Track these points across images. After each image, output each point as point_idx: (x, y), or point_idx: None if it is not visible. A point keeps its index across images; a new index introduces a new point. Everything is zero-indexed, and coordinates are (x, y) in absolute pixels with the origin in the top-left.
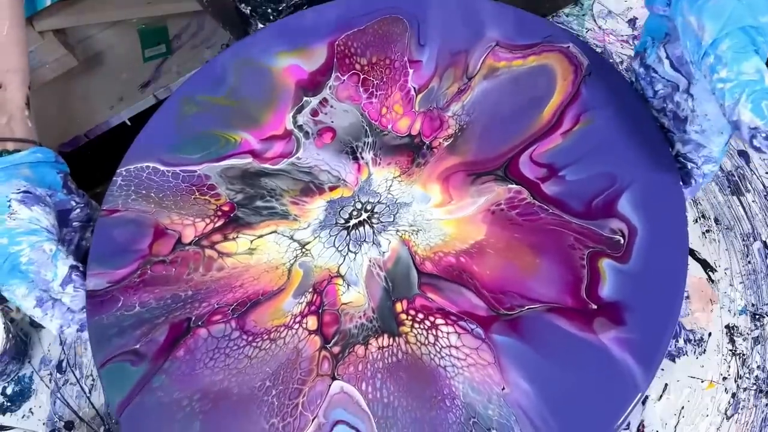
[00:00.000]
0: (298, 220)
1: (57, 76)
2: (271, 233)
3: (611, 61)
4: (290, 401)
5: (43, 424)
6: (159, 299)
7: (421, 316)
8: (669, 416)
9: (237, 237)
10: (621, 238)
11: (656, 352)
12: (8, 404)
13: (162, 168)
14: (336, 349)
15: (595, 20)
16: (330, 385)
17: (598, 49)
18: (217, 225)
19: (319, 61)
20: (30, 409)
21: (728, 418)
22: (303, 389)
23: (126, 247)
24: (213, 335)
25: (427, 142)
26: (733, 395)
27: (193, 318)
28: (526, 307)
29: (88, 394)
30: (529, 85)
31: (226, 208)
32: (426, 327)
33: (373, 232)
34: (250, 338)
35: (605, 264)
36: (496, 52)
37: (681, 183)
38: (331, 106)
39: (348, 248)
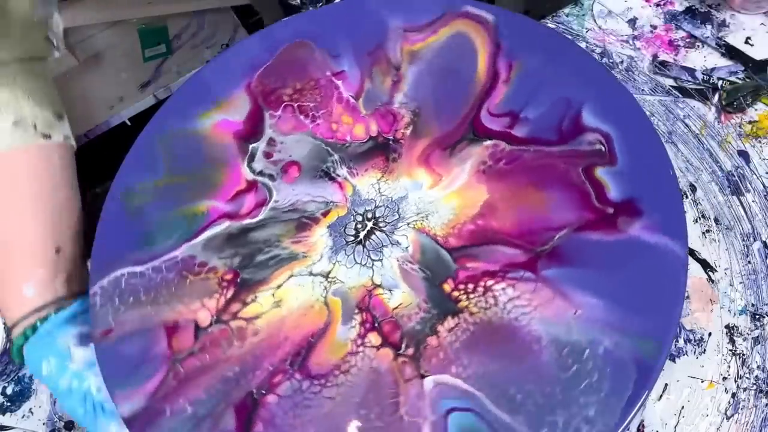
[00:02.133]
0: (309, 256)
1: (57, 76)
2: (288, 279)
3: (611, 61)
4: (392, 417)
5: (43, 424)
6: (208, 389)
7: (471, 285)
8: (669, 416)
9: (256, 298)
10: (601, 146)
11: (679, 216)
12: (8, 404)
13: (139, 269)
14: (410, 351)
15: (595, 20)
16: (423, 385)
17: (598, 49)
18: (228, 296)
19: (244, 107)
20: (30, 409)
21: (728, 418)
22: (399, 400)
23: (143, 358)
24: (284, 396)
25: (391, 137)
26: (733, 395)
27: (255, 390)
28: (556, 237)
29: None
30: (453, 54)
31: (229, 277)
32: (480, 293)
33: (386, 234)
34: (323, 381)
35: (600, 173)
36: (408, 37)
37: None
38: (281, 143)
39: (370, 259)
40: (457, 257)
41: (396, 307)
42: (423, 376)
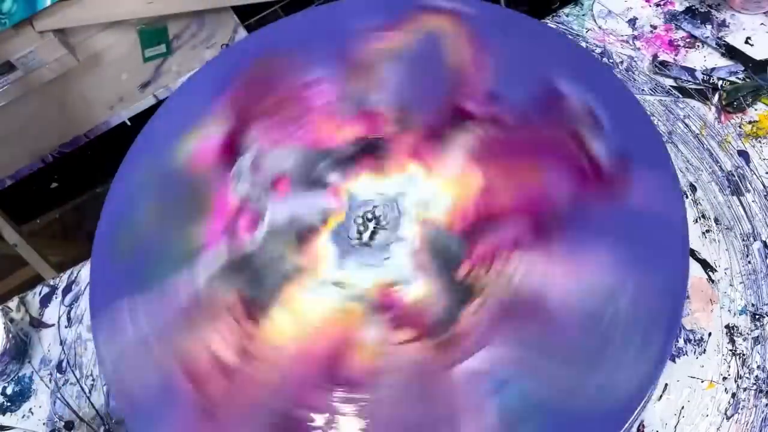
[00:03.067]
0: (317, 267)
1: (57, 76)
2: (301, 293)
3: (611, 61)
4: (438, 407)
5: (43, 424)
6: (243, 422)
7: (485, 264)
8: (669, 416)
9: (273, 319)
10: (585, 113)
11: (670, 171)
12: (8, 404)
13: (141, 302)
14: (446, 337)
15: (595, 20)
16: (460, 371)
17: (598, 50)
18: (241, 321)
19: (220, 129)
20: (30, 409)
21: (728, 418)
22: (445, 387)
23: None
24: (332, 414)
25: (377, 136)
26: (733, 395)
27: (301, 412)
28: (559, 203)
29: (88, 394)
30: (423, 47)
31: (238, 302)
32: (497, 271)
33: (390, 232)
34: (370, 388)
35: (587, 138)
36: (373, 37)
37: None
38: (265, 158)
39: (381, 258)
40: (465, 238)
41: (418, 301)
42: (458, 363)
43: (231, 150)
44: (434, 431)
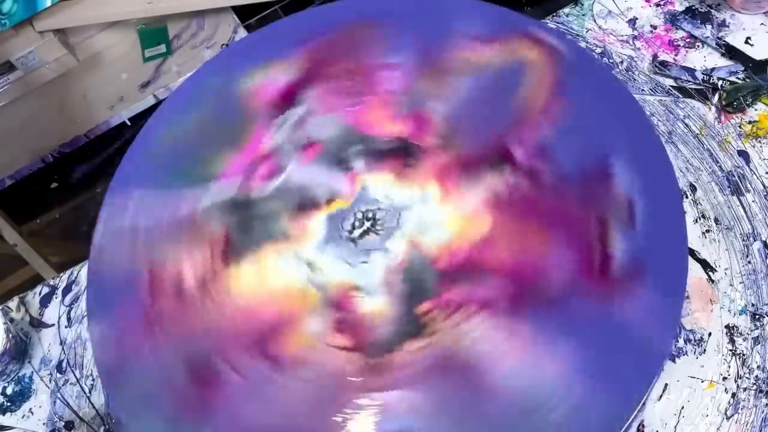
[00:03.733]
0: (301, 240)
1: (57, 76)
2: (275, 257)
3: (611, 61)
4: (340, 422)
5: (43, 424)
6: (174, 342)
7: (448, 312)
8: (669, 416)
9: (240, 267)
10: (623, 206)
11: (676, 305)
12: (8, 404)
13: (148, 199)
14: (376, 361)
15: (595, 20)
16: (372, 398)
17: (598, 49)
18: (216, 256)
19: (292, 75)
20: (30, 409)
21: (728, 418)
22: (348, 407)
23: (125, 290)
24: (244, 376)
25: (417, 143)
26: (733, 395)
27: (220, 363)
28: (548, 286)
29: (88, 394)
30: (506, 72)
31: (222, 237)
32: (455, 322)
33: (380, 239)
34: (283, 370)
35: (613, 232)
36: (464, 44)
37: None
38: (313, 118)
39: (358, 259)
40: (441, 280)
41: (369, 314)
42: (373, 391)
43: (287, 99)
44: None
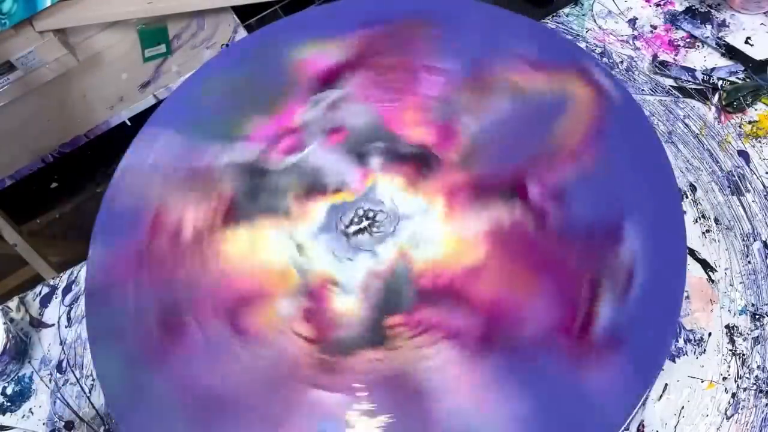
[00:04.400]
0: (299, 221)
1: (57, 76)
2: (271, 231)
3: (611, 61)
4: (280, 409)
5: (43, 424)
6: (154, 286)
7: (413, 332)
8: (669, 416)
9: (236, 231)
10: (623, 274)
11: (644, 386)
12: (8, 404)
13: (174, 143)
14: (326, 357)
15: (595, 20)
16: (314, 395)
17: (598, 49)
18: (218, 216)
19: (341, 54)
20: (30, 409)
21: (728, 418)
22: (293, 397)
23: (128, 222)
24: (207, 336)
25: (437, 154)
26: (733, 395)
27: (189, 317)
28: (521, 334)
29: (88, 394)
30: (548, 107)
31: (227, 197)
32: (417, 344)
33: (373, 241)
34: (243, 341)
35: (604, 297)
36: (520, 68)
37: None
38: (347, 104)
39: (346, 255)
40: (418, 298)
41: (338, 311)
42: (318, 388)
43: (329, 78)
44: (261, 420)
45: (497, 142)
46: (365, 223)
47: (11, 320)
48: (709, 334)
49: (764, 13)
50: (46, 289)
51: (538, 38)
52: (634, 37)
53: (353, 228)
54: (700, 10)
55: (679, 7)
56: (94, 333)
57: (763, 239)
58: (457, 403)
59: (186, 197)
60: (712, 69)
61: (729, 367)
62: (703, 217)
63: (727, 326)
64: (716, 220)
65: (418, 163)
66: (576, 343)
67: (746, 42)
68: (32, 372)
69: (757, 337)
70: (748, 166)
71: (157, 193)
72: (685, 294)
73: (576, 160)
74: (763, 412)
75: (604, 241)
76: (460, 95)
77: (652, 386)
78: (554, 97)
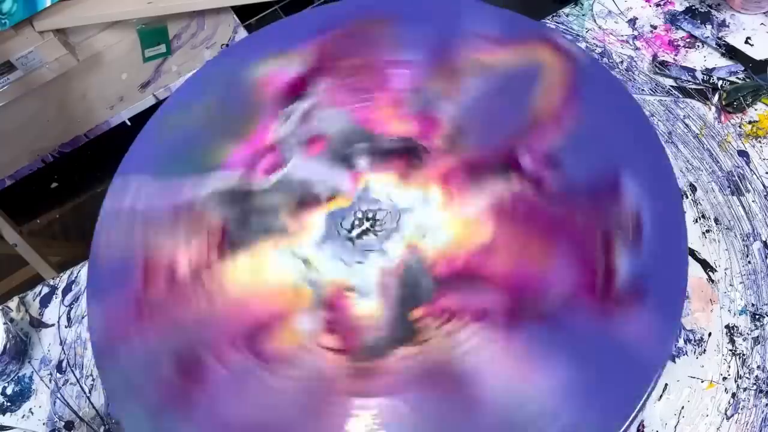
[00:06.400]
0: (298, 236)
1: (57, 76)
2: (272, 251)
3: (611, 61)
4: (326, 427)
5: (43, 424)
6: (163, 333)
7: (441, 320)
8: (669, 416)
9: (236, 259)
10: (629, 224)
11: (674, 323)
12: (8, 404)
13: (150, 185)
14: (359, 364)
15: (595, 20)
16: (356, 404)
17: (598, 49)
18: (212, 247)
19: (302, 66)
20: (30, 409)
21: (728, 418)
22: (335, 411)
23: (118, 278)
24: (231, 370)
25: (423, 144)
26: (733, 395)
27: (207, 355)
28: (545, 299)
29: (88, 394)
30: (520, 78)
31: (218, 229)
32: (447, 332)
33: (379, 240)
34: (270, 367)
35: (617, 249)
36: (484, 47)
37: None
38: (320, 112)
39: (355, 259)
40: (437, 287)
41: (361, 316)
42: (358, 396)
43: (295, 90)
44: None
45: (479, 120)
46: (367, 224)
47: (11, 320)
48: (709, 334)
49: (764, 13)
50: (46, 289)
51: (498, 20)
52: (634, 37)
53: (356, 231)
54: (700, 10)
55: (679, 7)
56: (111, 394)
57: (763, 239)
58: (501, 380)
59: (174, 236)
60: (712, 69)
61: (729, 367)
62: (703, 217)
63: (727, 326)
64: (716, 220)
65: (406, 155)
66: (601, 299)
67: (746, 42)
68: (32, 372)
69: (757, 337)
70: (748, 166)
71: (140, 239)
72: (687, 294)
73: (559, 124)
74: (763, 412)
75: (605, 195)
76: (431, 83)
77: (680, 332)
78: (524, 69)
